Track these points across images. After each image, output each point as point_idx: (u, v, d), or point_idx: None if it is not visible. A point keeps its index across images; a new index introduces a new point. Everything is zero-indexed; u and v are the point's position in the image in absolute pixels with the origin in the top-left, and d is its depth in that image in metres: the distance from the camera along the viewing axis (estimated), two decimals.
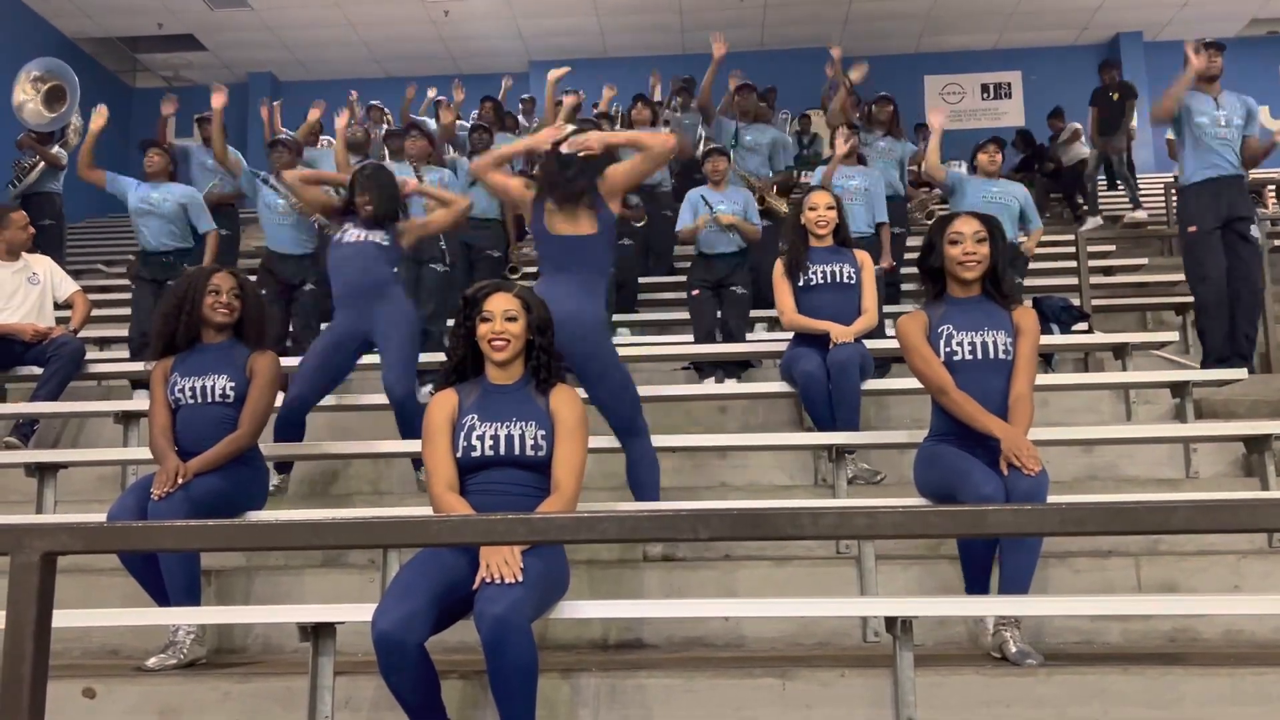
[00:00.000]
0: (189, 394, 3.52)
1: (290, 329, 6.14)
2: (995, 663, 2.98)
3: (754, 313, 6.29)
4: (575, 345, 3.38)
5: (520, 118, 10.21)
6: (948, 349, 3.27)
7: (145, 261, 6.17)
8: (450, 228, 5.04)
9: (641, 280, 7.53)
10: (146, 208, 6.12)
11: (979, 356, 3.23)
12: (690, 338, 6.08)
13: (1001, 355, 3.24)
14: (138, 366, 5.66)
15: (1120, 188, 11.23)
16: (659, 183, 7.88)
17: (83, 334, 6.19)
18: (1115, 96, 10.56)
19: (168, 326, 3.63)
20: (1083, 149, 11.02)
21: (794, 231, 4.65)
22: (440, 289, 6.18)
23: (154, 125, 8.51)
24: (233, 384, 3.53)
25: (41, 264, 5.57)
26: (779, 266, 4.61)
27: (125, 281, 7.37)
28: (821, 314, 4.48)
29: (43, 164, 7.66)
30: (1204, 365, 5.10)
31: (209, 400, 3.51)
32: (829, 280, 4.52)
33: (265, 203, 6.33)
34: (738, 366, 5.81)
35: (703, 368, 5.86)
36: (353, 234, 4.57)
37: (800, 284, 4.55)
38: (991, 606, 3.24)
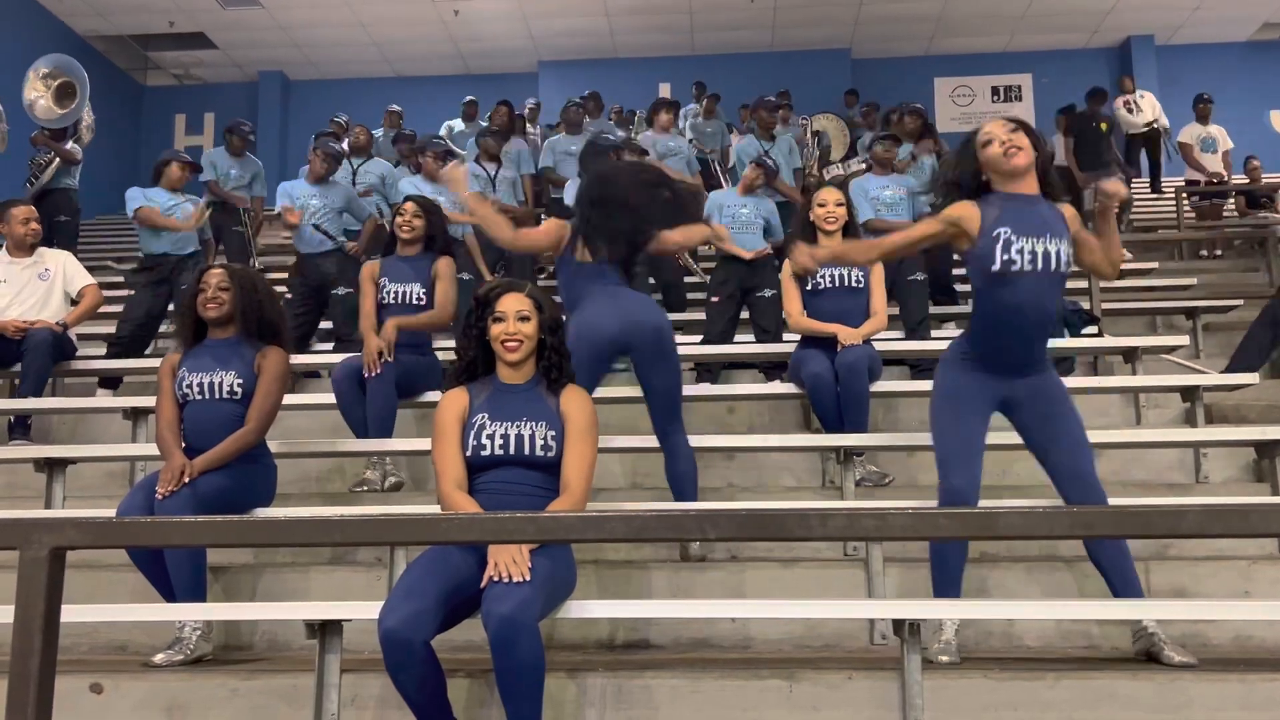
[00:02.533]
0: (197, 389, 3.52)
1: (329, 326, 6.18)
2: (1002, 666, 2.97)
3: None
4: (665, 351, 3.61)
5: (528, 124, 10.23)
6: (1005, 256, 2.87)
7: (148, 264, 6.14)
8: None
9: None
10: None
11: (1039, 268, 2.89)
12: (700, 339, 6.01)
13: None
14: (131, 364, 5.68)
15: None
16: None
17: (90, 330, 6.22)
18: (1104, 127, 9.94)
19: (178, 324, 3.69)
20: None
21: (802, 230, 4.64)
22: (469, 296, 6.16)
23: (164, 123, 8.58)
24: (240, 380, 3.52)
25: (56, 259, 5.52)
26: (787, 267, 4.60)
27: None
28: (829, 318, 4.47)
29: (58, 160, 7.68)
30: (1229, 369, 5.11)
31: (217, 396, 3.51)
32: (837, 284, 4.50)
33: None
34: (778, 368, 5.73)
35: (702, 373, 5.81)
36: (392, 288, 4.67)
37: (808, 287, 4.53)
38: (998, 610, 3.23)
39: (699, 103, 10.40)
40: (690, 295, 7.04)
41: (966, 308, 6.29)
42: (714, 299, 5.94)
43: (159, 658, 3.23)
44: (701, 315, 6.39)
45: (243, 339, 3.61)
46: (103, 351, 6.03)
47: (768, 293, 5.83)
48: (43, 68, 7.78)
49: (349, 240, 6.33)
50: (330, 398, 4.51)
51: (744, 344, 5.83)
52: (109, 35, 14.37)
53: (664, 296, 6.82)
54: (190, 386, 3.52)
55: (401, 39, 14.61)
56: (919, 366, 5.56)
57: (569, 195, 6.34)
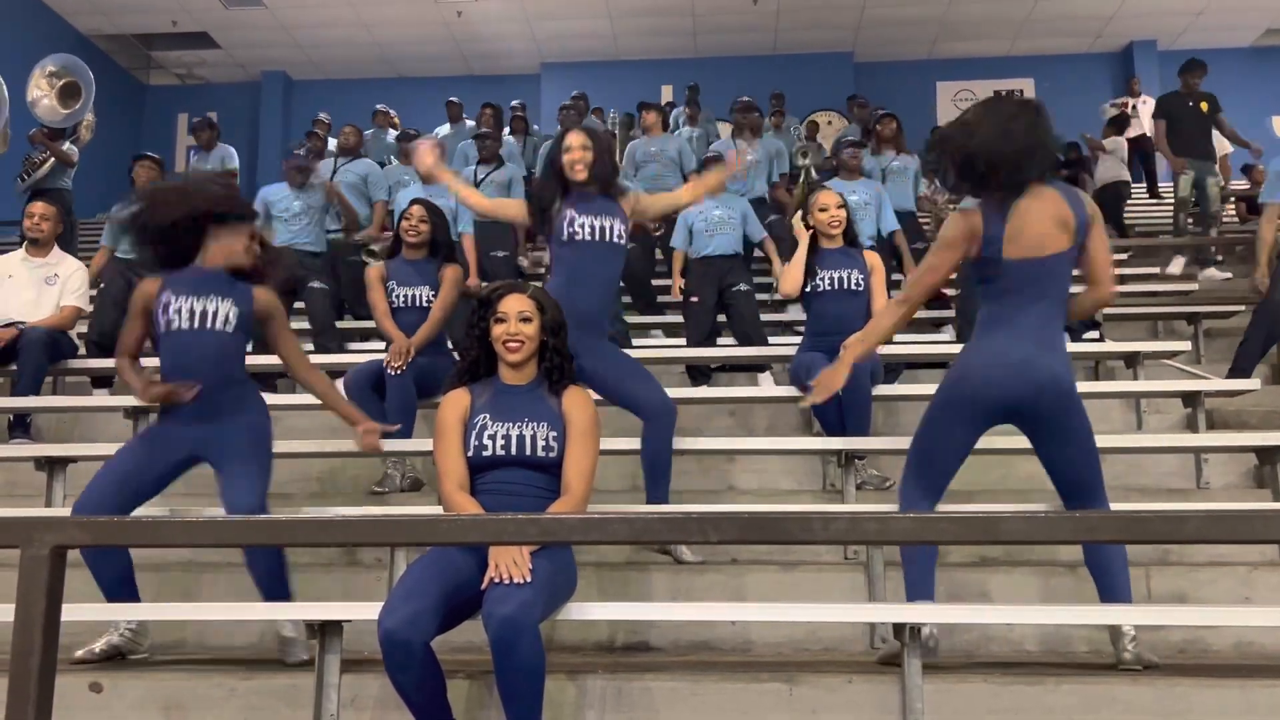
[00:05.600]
0: (185, 317, 3.19)
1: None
2: (1003, 670, 2.96)
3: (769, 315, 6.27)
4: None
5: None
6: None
7: (119, 258, 6.10)
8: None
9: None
10: None
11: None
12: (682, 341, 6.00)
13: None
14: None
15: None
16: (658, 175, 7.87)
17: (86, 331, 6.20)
18: (1204, 107, 8.64)
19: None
20: (1119, 167, 9.94)
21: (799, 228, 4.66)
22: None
23: (166, 123, 8.59)
24: (238, 310, 3.23)
25: (67, 268, 5.48)
26: (804, 243, 4.58)
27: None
28: (830, 320, 4.48)
29: (53, 159, 7.65)
30: (1230, 374, 5.13)
31: (208, 326, 3.20)
32: (837, 287, 4.51)
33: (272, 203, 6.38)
34: (755, 368, 5.72)
35: (695, 375, 5.81)
36: (400, 291, 4.70)
37: (808, 290, 4.54)
38: (999, 615, 3.22)
39: (689, 107, 10.39)
40: (661, 298, 7.07)
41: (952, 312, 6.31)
42: (694, 299, 5.94)
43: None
44: (677, 318, 6.40)
45: (237, 279, 3.31)
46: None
47: (742, 287, 5.89)
48: (49, 66, 7.77)
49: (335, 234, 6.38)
50: None
51: (727, 346, 5.85)
52: (112, 34, 14.38)
53: (634, 299, 6.99)
54: (177, 312, 3.20)
55: (404, 40, 14.62)
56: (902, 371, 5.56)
57: None
